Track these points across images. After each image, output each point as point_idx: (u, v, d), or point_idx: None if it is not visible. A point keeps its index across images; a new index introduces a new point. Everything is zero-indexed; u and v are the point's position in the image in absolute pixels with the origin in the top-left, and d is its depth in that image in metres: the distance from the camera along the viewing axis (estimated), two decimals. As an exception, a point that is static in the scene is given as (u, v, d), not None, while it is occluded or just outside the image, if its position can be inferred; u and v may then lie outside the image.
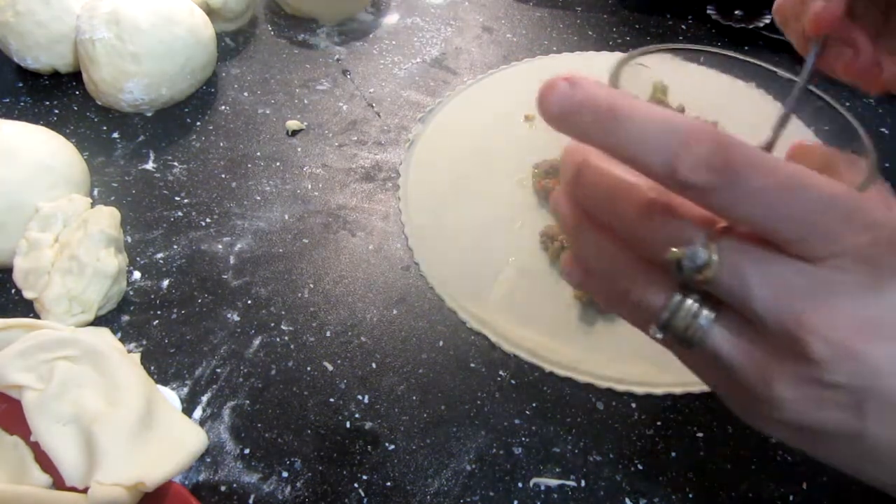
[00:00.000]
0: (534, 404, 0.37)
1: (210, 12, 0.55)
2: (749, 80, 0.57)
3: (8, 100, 0.52)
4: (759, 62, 0.31)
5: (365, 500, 0.33)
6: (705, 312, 0.22)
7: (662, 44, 0.29)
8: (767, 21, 0.57)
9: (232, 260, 0.43)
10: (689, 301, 0.22)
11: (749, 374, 0.22)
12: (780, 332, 0.21)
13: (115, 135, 0.50)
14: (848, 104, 0.53)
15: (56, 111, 0.51)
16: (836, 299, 0.20)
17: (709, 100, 0.50)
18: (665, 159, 0.20)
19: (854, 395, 0.21)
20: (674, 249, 0.21)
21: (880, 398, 0.21)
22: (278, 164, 0.48)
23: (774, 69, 0.31)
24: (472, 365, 0.38)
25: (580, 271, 0.26)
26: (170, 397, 0.36)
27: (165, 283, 0.42)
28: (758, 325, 0.21)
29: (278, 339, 0.39)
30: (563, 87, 0.21)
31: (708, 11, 0.59)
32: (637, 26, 0.60)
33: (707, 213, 0.21)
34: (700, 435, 0.36)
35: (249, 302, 0.41)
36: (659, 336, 0.23)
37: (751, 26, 0.57)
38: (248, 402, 0.37)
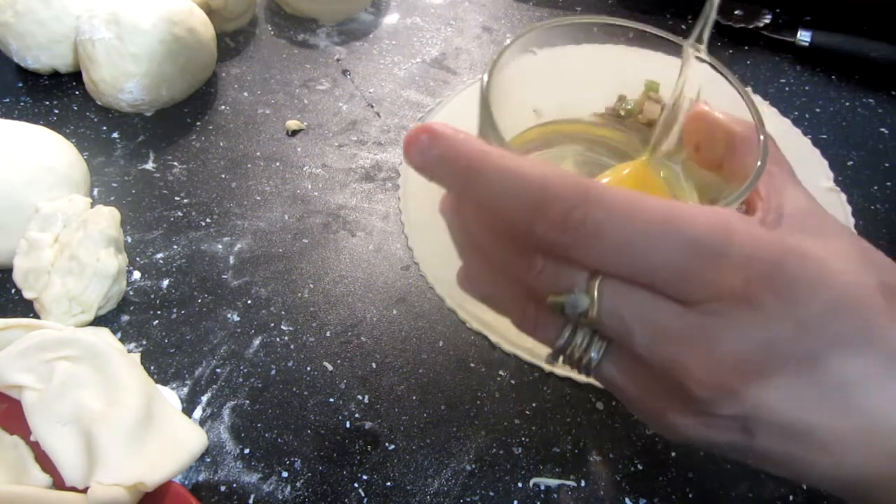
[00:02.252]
0: (534, 404, 0.37)
1: (210, 12, 0.55)
2: (745, 84, 0.57)
3: (8, 100, 0.52)
4: (655, 31, 0.30)
5: (365, 500, 0.33)
6: (595, 346, 0.22)
7: (542, 22, 0.29)
8: (767, 21, 0.57)
9: (232, 260, 0.43)
10: (580, 335, 0.22)
11: (642, 404, 0.23)
12: (664, 374, 0.21)
13: (115, 135, 0.50)
14: (848, 104, 0.53)
15: (56, 111, 0.51)
16: (711, 342, 0.20)
17: (703, 96, 0.50)
18: (523, 216, 0.20)
19: (740, 422, 0.21)
20: (553, 297, 0.21)
21: (763, 422, 0.21)
22: (278, 164, 0.48)
23: (672, 38, 0.30)
24: (472, 365, 0.38)
25: (476, 286, 0.25)
26: (170, 397, 0.36)
27: (165, 283, 0.42)
28: (644, 363, 0.21)
29: (278, 339, 0.39)
30: (423, 141, 0.21)
31: (708, 11, 0.59)
32: (637, 26, 0.60)
33: None
34: (700, 435, 0.36)
35: (249, 302, 0.41)
36: (553, 364, 0.23)
37: (751, 26, 0.57)
38: (248, 402, 0.37)
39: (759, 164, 0.25)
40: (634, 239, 0.19)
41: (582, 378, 0.37)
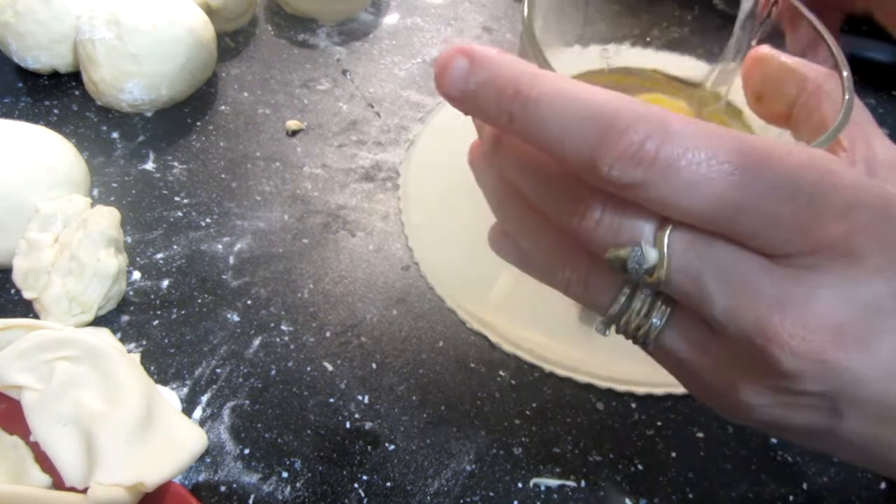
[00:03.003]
0: (534, 404, 0.37)
1: (210, 12, 0.55)
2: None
3: (8, 100, 0.52)
4: None
5: (365, 500, 0.33)
6: (658, 311, 0.19)
7: None
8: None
9: (232, 260, 0.43)
10: (640, 298, 0.19)
11: (712, 378, 0.20)
12: (744, 341, 0.18)
13: (115, 135, 0.50)
14: (848, 104, 0.53)
15: (56, 111, 0.51)
16: (805, 304, 0.17)
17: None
18: (584, 151, 0.17)
19: (829, 401, 0.19)
20: (613, 251, 0.18)
21: (857, 400, 0.19)
22: (278, 164, 0.48)
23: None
24: (472, 365, 0.38)
25: (512, 246, 0.22)
26: (170, 397, 0.36)
27: (165, 283, 0.42)
28: (718, 329, 0.19)
29: (278, 340, 0.39)
30: (459, 67, 0.18)
31: (714, 1, 0.59)
32: (643, 17, 0.60)
33: None
34: (700, 435, 0.36)
35: (249, 302, 0.41)
36: (606, 334, 0.20)
37: (751, 26, 0.57)
38: (248, 402, 0.37)
39: (846, 98, 0.21)
40: (717, 177, 0.16)
41: (582, 379, 0.37)
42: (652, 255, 0.17)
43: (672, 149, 0.16)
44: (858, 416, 0.19)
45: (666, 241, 0.17)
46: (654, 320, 0.19)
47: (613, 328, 0.20)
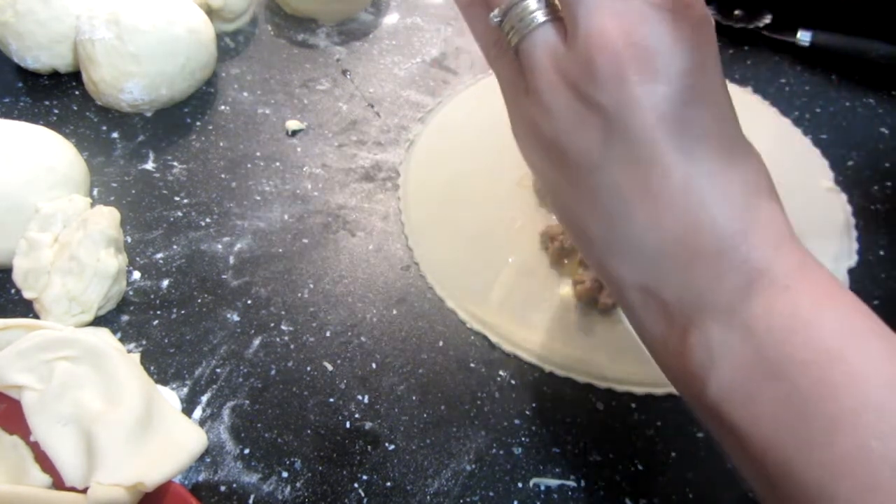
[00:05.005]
0: (534, 404, 0.37)
1: (210, 12, 0.55)
2: (746, 84, 0.58)
3: (8, 100, 0.52)
4: None
5: (365, 500, 0.33)
6: (539, 13, 0.25)
7: None
8: (767, 21, 0.57)
9: (232, 260, 0.43)
10: (532, 0, 0.25)
11: (543, 81, 0.24)
12: (584, 40, 0.23)
13: (115, 135, 0.50)
14: (848, 104, 0.53)
15: (56, 111, 0.51)
16: (636, 28, 0.23)
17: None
18: None
19: (607, 120, 0.23)
20: None
21: (625, 129, 0.23)
22: (278, 164, 0.48)
23: None
24: (472, 365, 0.38)
25: None
26: (170, 397, 0.36)
27: (165, 283, 0.42)
28: (572, 34, 0.24)
29: (278, 339, 0.39)
30: None
31: (708, 11, 0.59)
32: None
33: None
34: (700, 435, 0.36)
35: (249, 302, 0.41)
36: (496, 20, 0.25)
37: (751, 26, 0.57)
38: (247, 402, 0.37)
39: None
40: None
41: (582, 379, 0.37)
42: None
43: None
44: (619, 148, 0.23)
45: None
46: (536, 16, 0.25)
47: (506, 17, 0.25)
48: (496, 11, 0.25)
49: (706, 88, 0.23)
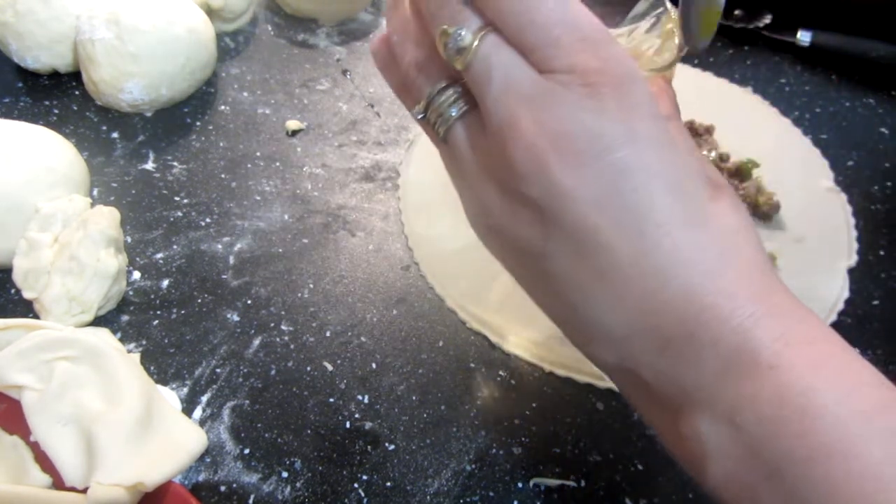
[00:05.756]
0: (534, 404, 0.37)
1: (210, 12, 0.55)
2: (746, 84, 0.58)
3: (8, 100, 0.52)
4: None
5: (365, 500, 0.33)
6: (457, 106, 0.24)
7: None
8: (767, 21, 0.57)
9: (232, 260, 0.43)
10: (449, 92, 0.24)
11: (472, 174, 0.24)
12: (498, 133, 0.22)
13: (115, 135, 0.50)
14: (848, 104, 0.53)
15: (56, 111, 0.51)
16: (548, 107, 0.21)
17: (704, 103, 0.50)
18: None
19: (540, 213, 0.22)
20: (445, 27, 0.23)
21: (561, 219, 0.22)
22: (278, 164, 0.48)
23: None
24: (472, 365, 0.38)
25: (385, 51, 0.27)
26: (170, 397, 0.36)
27: (165, 283, 0.42)
28: (488, 126, 0.23)
29: (278, 339, 0.39)
30: None
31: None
32: (637, 26, 0.60)
33: None
34: (700, 435, 0.36)
35: (249, 302, 0.41)
36: (419, 117, 0.25)
37: (751, 26, 0.57)
38: (248, 402, 0.37)
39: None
40: (533, 7, 0.21)
41: (582, 379, 0.37)
42: (467, 38, 0.22)
43: None
44: (560, 239, 0.22)
45: (481, 34, 0.22)
46: (453, 110, 0.24)
47: (426, 111, 0.25)
48: (418, 107, 0.25)
49: (643, 154, 0.21)
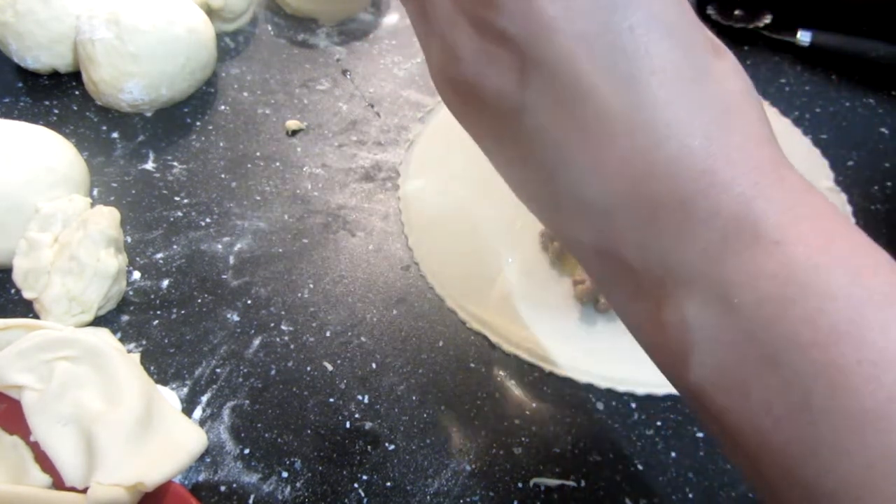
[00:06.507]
0: (534, 404, 0.37)
1: (210, 12, 0.55)
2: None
3: (8, 100, 0.52)
4: None
5: (365, 500, 0.33)
6: None
7: None
8: (767, 21, 0.57)
9: (232, 260, 0.43)
10: None
11: (443, 13, 0.21)
12: None
13: (115, 135, 0.50)
14: (848, 104, 0.53)
15: (56, 111, 0.51)
16: None
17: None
18: None
19: (519, 54, 0.19)
20: None
21: (543, 60, 0.18)
22: (278, 164, 0.48)
23: None
24: (472, 365, 0.38)
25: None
26: (170, 397, 0.36)
27: (165, 283, 0.42)
28: None
29: (278, 339, 0.39)
30: None
31: (708, 11, 0.59)
32: None
33: None
34: (700, 435, 0.36)
35: (249, 302, 0.41)
36: None
37: (751, 26, 0.57)
38: (247, 402, 0.37)
39: None
40: None
41: (582, 379, 0.37)
42: None
43: None
44: (539, 85, 0.19)
45: None
46: None
47: None
48: None
49: None
